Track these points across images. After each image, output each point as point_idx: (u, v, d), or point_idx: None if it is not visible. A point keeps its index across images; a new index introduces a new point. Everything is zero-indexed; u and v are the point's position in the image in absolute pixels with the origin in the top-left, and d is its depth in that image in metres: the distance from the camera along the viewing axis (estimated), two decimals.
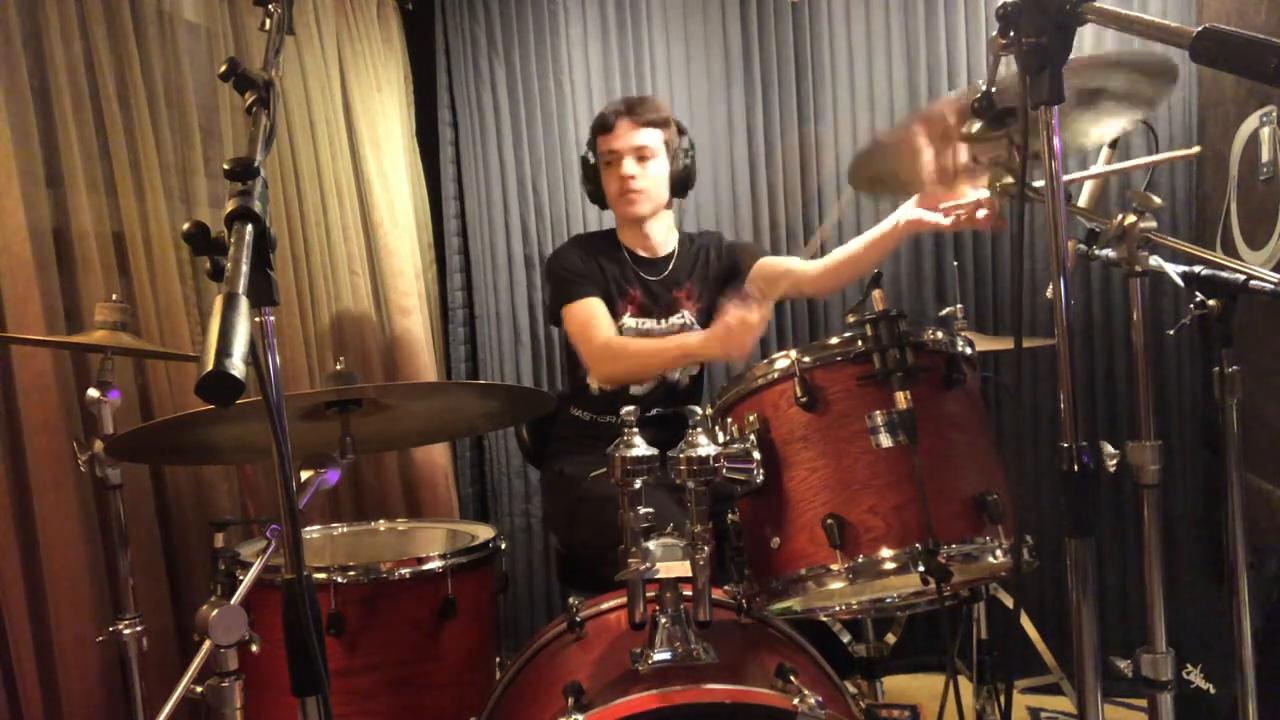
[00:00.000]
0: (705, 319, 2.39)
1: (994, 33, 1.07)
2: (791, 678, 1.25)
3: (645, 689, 1.24)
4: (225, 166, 0.88)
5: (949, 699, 2.04)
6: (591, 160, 2.38)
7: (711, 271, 2.45)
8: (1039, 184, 1.22)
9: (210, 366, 0.72)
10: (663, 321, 2.37)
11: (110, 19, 2.09)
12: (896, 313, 1.34)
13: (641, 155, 2.28)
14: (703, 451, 1.32)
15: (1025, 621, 2.55)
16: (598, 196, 2.41)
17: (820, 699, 1.19)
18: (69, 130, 1.97)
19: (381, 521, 2.22)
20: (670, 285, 2.40)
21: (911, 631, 2.87)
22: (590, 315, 2.26)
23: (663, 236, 2.42)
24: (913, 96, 2.94)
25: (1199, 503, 2.79)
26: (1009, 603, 2.52)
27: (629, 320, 2.33)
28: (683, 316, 2.39)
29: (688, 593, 1.36)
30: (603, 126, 2.31)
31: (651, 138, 2.29)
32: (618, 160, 2.29)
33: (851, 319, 1.40)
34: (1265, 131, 2.28)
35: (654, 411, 2.36)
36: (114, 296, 1.79)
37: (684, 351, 2.16)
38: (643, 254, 2.40)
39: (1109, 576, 2.84)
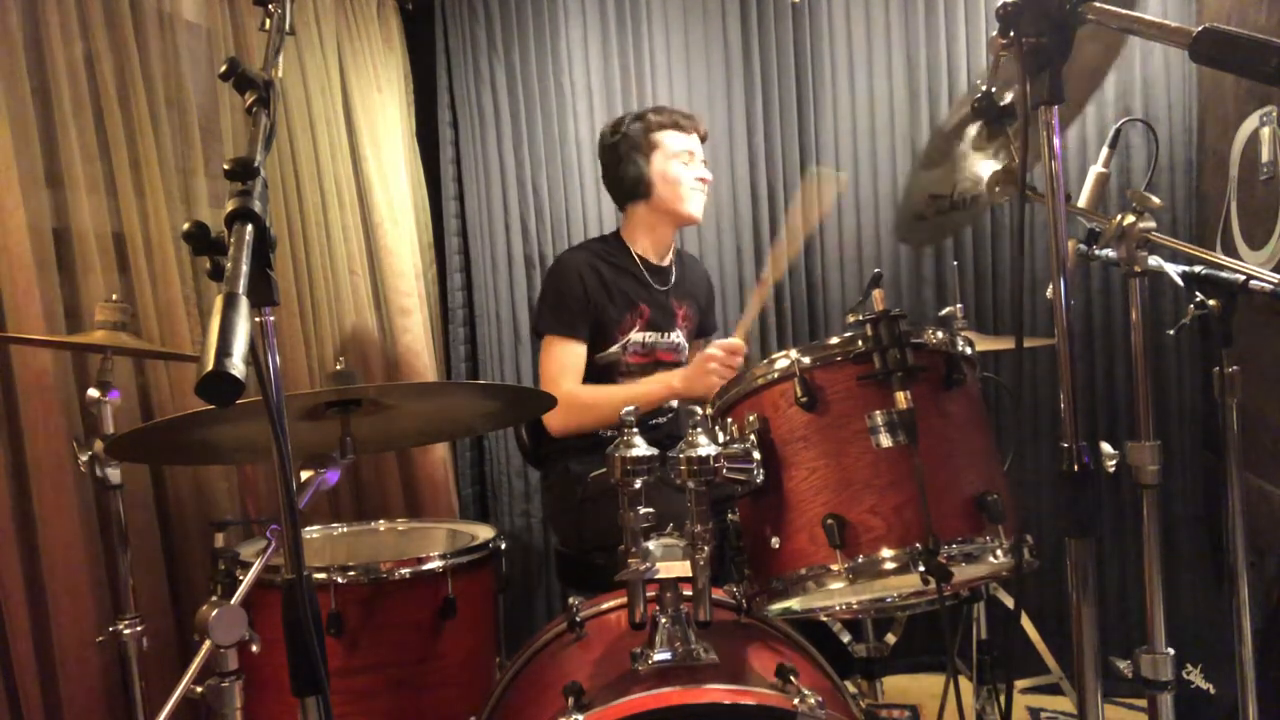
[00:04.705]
0: (689, 341, 2.49)
1: (994, 33, 1.07)
2: (791, 678, 1.24)
3: (645, 689, 1.24)
4: (225, 166, 0.88)
5: (949, 699, 2.03)
6: (620, 147, 2.34)
7: (701, 304, 2.54)
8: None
9: (210, 366, 0.71)
10: (665, 336, 2.40)
11: (110, 19, 2.09)
12: (896, 313, 1.34)
13: None
14: (703, 451, 1.32)
15: (1025, 621, 2.55)
16: (634, 183, 2.34)
17: (820, 699, 1.19)
18: (69, 130, 1.97)
19: (381, 521, 2.23)
20: (673, 298, 2.43)
21: (911, 631, 2.87)
22: (564, 360, 2.26)
23: (669, 243, 2.47)
24: (913, 96, 2.95)
25: (1199, 503, 2.79)
26: (1009, 603, 2.51)
27: (636, 335, 2.34)
28: (678, 334, 2.41)
29: (688, 593, 1.36)
30: (676, 125, 2.34)
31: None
32: (693, 159, 2.35)
33: (851, 319, 1.40)
34: (1265, 131, 2.27)
35: (653, 422, 2.37)
36: (114, 296, 1.80)
37: (660, 397, 2.19)
38: (653, 260, 2.42)
39: (1109, 576, 2.84)
